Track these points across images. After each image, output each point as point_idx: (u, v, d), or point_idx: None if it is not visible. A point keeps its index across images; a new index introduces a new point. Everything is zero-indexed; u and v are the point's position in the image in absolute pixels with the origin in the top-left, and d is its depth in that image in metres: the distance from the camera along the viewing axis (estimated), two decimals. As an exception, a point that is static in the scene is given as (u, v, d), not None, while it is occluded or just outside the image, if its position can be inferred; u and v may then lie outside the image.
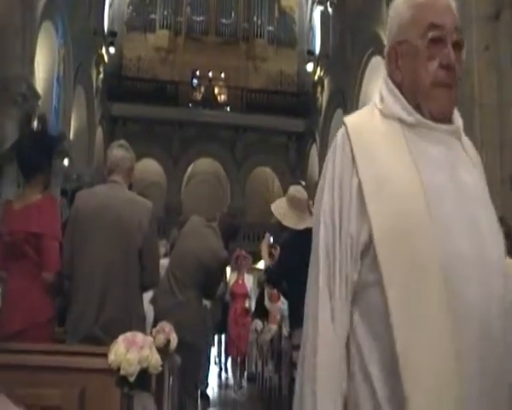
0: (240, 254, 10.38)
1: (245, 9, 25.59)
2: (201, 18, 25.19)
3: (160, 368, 2.66)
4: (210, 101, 24.33)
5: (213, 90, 24.78)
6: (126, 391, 2.58)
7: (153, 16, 24.89)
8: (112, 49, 22.16)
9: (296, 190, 5.03)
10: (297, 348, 4.95)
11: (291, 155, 24.07)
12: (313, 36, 23.06)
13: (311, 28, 23.62)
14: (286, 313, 8.07)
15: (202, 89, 24.68)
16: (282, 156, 24.25)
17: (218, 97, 24.79)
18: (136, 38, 24.96)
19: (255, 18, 25.19)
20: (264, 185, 25.39)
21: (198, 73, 24.71)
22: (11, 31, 12.58)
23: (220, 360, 13.22)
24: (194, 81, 24.67)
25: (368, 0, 15.84)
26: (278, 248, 5.70)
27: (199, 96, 24.58)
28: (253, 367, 11.22)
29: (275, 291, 10.01)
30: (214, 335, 11.16)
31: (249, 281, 10.56)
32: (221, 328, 10.91)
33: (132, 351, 2.56)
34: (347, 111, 17.61)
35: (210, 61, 24.36)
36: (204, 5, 25.31)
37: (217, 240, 5.13)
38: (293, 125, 23.38)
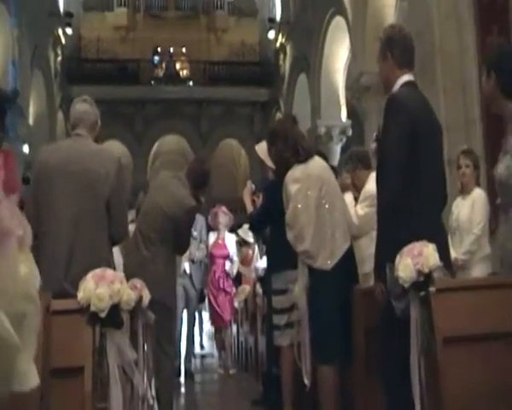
0: (218, 211, 9.32)
1: (204, -18, 25.27)
2: (160, -7, 24.81)
3: (133, 303, 2.53)
4: (172, 77, 24.06)
5: (175, 66, 24.49)
6: (98, 330, 2.46)
7: (109, -6, 24.42)
8: (69, 31, 21.66)
9: None
10: (277, 292, 4.92)
11: (256, 125, 23.90)
12: (273, 4, 22.84)
13: (271, -5, 23.41)
14: (261, 272, 7.98)
15: (164, 65, 24.35)
16: (247, 127, 24.09)
17: (181, 72, 24.50)
18: (94, 18, 24.47)
19: (214, -11, 24.89)
20: (230, 159, 25.25)
21: (159, 49, 24.36)
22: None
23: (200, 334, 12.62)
24: (156, 58, 24.32)
25: (327, -39, 15.69)
26: (261, 195, 5.63)
27: (161, 73, 24.26)
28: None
29: (249, 252, 9.94)
30: (197, 306, 9.97)
31: (231, 241, 9.35)
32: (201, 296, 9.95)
33: (102, 286, 2.44)
34: (310, 75, 17.61)
35: (171, 37, 24.01)
36: (162, -20, 24.91)
37: (182, 188, 4.93)
38: (257, 95, 23.22)
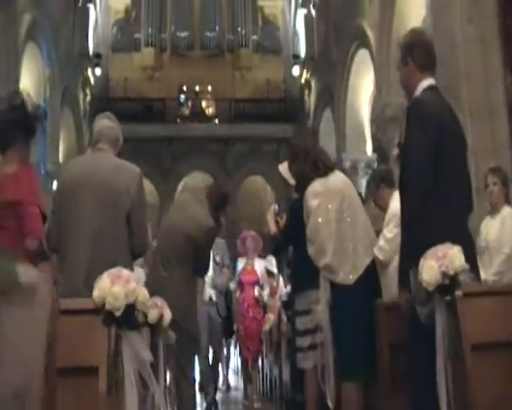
0: (247, 236, 8.88)
1: (229, 21, 25.57)
2: (186, 33, 25.13)
3: (148, 305, 2.48)
4: (198, 115, 24.25)
5: (201, 104, 24.69)
6: (113, 330, 2.41)
7: (137, 35, 24.80)
8: (98, 71, 22.13)
9: None
10: (300, 313, 4.83)
11: (282, 161, 23.84)
12: (298, 40, 23.03)
13: (296, 33, 23.60)
14: (285, 297, 7.92)
15: (190, 103, 24.58)
16: (272, 164, 24.02)
17: (206, 110, 24.68)
18: (122, 59, 24.88)
19: (239, 28, 25.15)
20: (256, 195, 25.23)
21: (185, 88, 24.59)
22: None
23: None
24: (182, 97, 24.56)
25: (349, -5, 15.84)
26: (284, 216, 5.59)
27: (187, 111, 24.47)
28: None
29: (274, 284, 9.82)
30: (224, 335, 9.28)
31: (260, 266, 8.81)
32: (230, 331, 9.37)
33: (117, 284, 2.39)
34: (335, 109, 17.63)
35: (196, 75, 24.26)
36: (188, 20, 25.24)
37: (201, 209, 4.92)
38: (282, 132, 23.22)
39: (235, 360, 12.68)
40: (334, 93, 17.66)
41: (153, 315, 4.22)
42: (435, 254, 2.71)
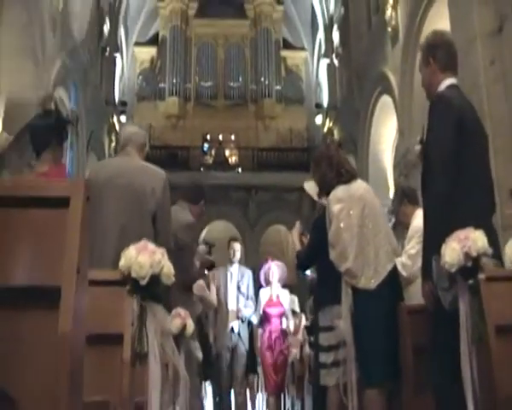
0: (272, 263, 8.45)
1: (252, 71, 26.06)
2: (210, 83, 25.65)
3: (173, 278, 2.51)
4: (221, 163, 24.53)
5: (224, 153, 25.00)
6: (139, 300, 2.44)
7: (162, 85, 25.36)
8: (123, 118, 22.55)
9: None
10: (324, 329, 4.80)
11: (304, 211, 23.93)
12: (320, 90, 23.39)
13: (318, 83, 23.98)
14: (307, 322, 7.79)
15: (213, 152, 24.89)
16: (295, 213, 24.12)
17: (230, 159, 24.97)
18: (147, 107, 25.39)
19: (262, 79, 25.61)
20: (278, 244, 25.21)
21: (208, 136, 24.98)
22: (25, 101, 12.76)
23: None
24: (205, 145, 24.90)
25: (372, 42, 16.09)
26: (308, 235, 5.60)
27: (210, 160, 24.78)
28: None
29: (297, 322, 9.69)
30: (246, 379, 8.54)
31: (285, 297, 8.39)
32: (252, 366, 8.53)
33: (143, 255, 2.43)
34: (358, 157, 17.71)
35: (220, 125, 24.65)
36: (212, 71, 25.82)
37: (180, 211, 4.92)
38: (304, 181, 23.37)
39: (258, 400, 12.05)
40: (356, 141, 17.79)
41: (176, 325, 4.26)
42: (457, 236, 2.72)
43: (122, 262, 2.44)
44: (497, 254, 3.00)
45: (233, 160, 25.02)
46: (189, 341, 4.55)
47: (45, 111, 3.81)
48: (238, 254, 7.87)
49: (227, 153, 25.08)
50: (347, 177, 4.17)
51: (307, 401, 7.30)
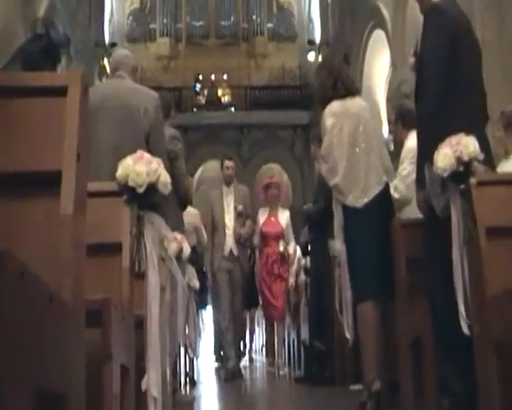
0: (271, 183, 7.91)
1: (244, 10, 25.74)
2: (201, 23, 25.34)
3: (170, 187, 2.55)
4: (214, 103, 24.42)
5: (217, 92, 24.84)
6: (136, 210, 2.48)
7: (152, 25, 25.03)
8: (108, 71, 22.23)
9: None
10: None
11: (297, 149, 23.97)
12: (313, 27, 23.11)
13: (310, 20, 23.67)
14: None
15: (206, 92, 24.72)
16: (288, 151, 24.16)
17: (222, 99, 24.83)
18: (137, 48, 25.01)
19: (254, 17, 25.34)
20: (272, 183, 25.30)
21: (200, 77, 24.77)
22: (12, 36, 12.62)
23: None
24: (197, 86, 24.72)
25: (364, -24, 15.84)
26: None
27: (203, 100, 24.64)
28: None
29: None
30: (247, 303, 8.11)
31: (284, 217, 7.74)
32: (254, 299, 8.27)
33: (140, 164, 2.47)
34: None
35: (212, 64, 24.43)
36: (203, 10, 25.47)
37: None
38: (298, 118, 23.31)
39: (259, 331, 11.63)
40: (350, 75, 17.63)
41: (172, 248, 4.31)
42: (449, 142, 2.76)
43: (119, 172, 2.47)
44: (489, 161, 3.04)
45: (225, 99, 24.89)
46: (186, 265, 4.63)
47: (36, 35, 3.77)
48: (231, 172, 7.33)
49: (219, 92, 24.92)
50: (343, 91, 4.14)
51: (303, 330, 7.40)
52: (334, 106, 4.08)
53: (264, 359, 10.74)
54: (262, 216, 7.61)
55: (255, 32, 25.35)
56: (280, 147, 23.91)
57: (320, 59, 21.19)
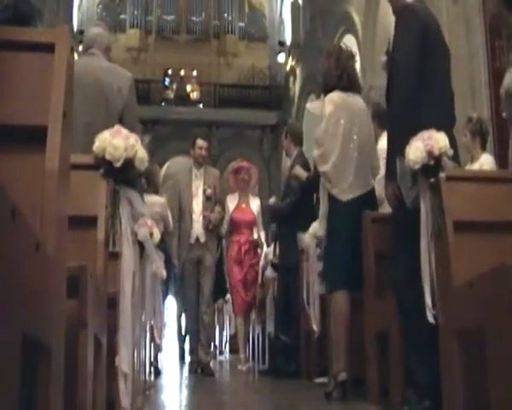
0: (241, 166, 7.45)
1: (215, 7, 25.70)
2: (172, 17, 25.21)
3: (146, 163, 2.55)
4: (183, 98, 24.32)
5: (186, 88, 24.75)
6: (112, 184, 2.47)
7: (123, 16, 24.82)
8: (81, 48, 21.98)
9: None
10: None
11: (265, 148, 24.05)
12: (283, 28, 23.22)
13: (282, 21, 23.78)
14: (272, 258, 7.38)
15: (174, 87, 24.62)
16: (256, 150, 24.17)
17: (191, 94, 24.77)
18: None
19: (225, 15, 25.32)
20: (239, 181, 25.33)
21: (170, 71, 24.66)
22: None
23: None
24: (166, 80, 24.60)
25: (337, -19, 15.97)
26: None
27: (171, 95, 24.53)
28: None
29: None
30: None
31: (255, 205, 7.35)
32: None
33: (118, 138, 2.46)
34: (320, 96, 17.63)
35: (182, 60, 24.34)
36: (174, 4, 25.33)
37: None
38: (266, 118, 23.41)
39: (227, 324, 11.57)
40: (319, 80, 17.73)
41: (143, 233, 4.30)
42: (421, 136, 2.82)
43: (96, 144, 2.46)
44: (457, 159, 3.12)
45: (194, 95, 24.82)
46: (156, 250, 4.59)
47: (3, 6, 3.70)
48: (204, 153, 6.74)
49: (188, 88, 24.85)
50: (347, 83, 4.20)
51: (269, 324, 7.39)
52: (336, 96, 4.14)
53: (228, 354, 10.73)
54: (231, 203, 7.16)
55: (226, 30, 25.35)
56: (248, 145, 23.92)
57: (290, 61, 21.34)
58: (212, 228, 6.54)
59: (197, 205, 6.56)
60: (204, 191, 6.55)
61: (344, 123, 4.06)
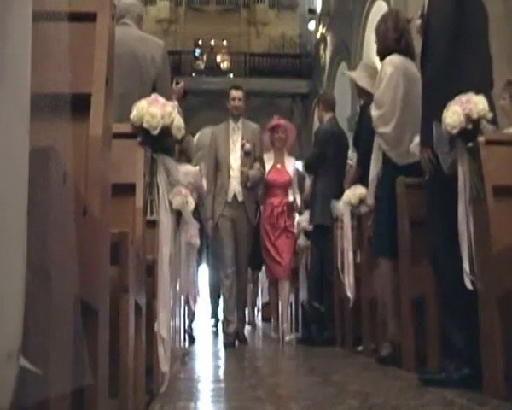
0: (278, 124, 7.01)
1: (244, -24, 25.46)
2: (201, -13, 25.09)
3: (183, 131, 2.56)
4: (213, 69, 24.26)
5: (216, 58, 24.69)
6: (149, 152, 2.50)
7: (153, -12, 24.76)
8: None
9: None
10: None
11: (296, 117, 23.87)
12: (314, -5, 22.92)
13: (312, -12, 23.47)
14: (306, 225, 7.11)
15: (205, 57, 24.57)
16: (287, 119, 23.98)
17: (221, 65, 24.70)
18: (137, 11, 24.83)
19: (255, -16, 25.09)
20: (270, 151, 25.30)
21: (200, 42, 24.60)
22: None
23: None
24: (197, 51, 24.57)
25: None
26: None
27: (202, 65, 24.49)
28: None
29: None
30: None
31: (291, 165, 6.97)
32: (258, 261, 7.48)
33: (155, 106, 2.48)
34: (351, 64, 17.51)
35: (212, 30, 24.26)
36: (203, -26, 25.19)
37: None
38: (297, 87, 23.23)
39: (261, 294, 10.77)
40: (350, 47, 17.56)
41: (177, 202, 4.34)
42: (459, 100, 2.78)
43: (133, 113, 2.49)
44: (495, 122, 3.06)
45: (225, 65, 24.75)
46: (190, 217, 4.62)
47: None
48: (238, 104, 6.45)
49: (219, 58, 24.78)
50: (405, 48, 4.12)
51: (302, 292, 7.43)
52: (396, 59, 4.06)
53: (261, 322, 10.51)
54: (267, 163, 6.57)
55: (255, 0, 25.15)
56: (279, 115, 23.58)
57: (320, 29, 21.09)
58: (250, 186, 6.05)
59: (235, 160, 6.10)
60: (242, 146, 6.10)
61: (403, 87, 3.98)
